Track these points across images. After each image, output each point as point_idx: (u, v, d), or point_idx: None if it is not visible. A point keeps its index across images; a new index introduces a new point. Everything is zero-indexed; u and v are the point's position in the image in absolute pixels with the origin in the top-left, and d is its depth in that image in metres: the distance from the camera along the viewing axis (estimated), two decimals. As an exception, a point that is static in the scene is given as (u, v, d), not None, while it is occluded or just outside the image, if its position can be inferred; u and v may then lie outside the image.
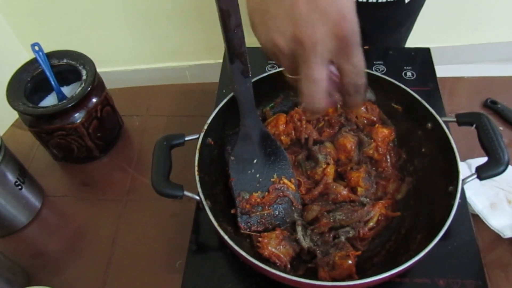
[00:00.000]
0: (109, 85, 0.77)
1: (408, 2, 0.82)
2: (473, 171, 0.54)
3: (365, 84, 0.44)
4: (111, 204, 0.71)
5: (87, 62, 0.72)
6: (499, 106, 0.78)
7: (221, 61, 0.79)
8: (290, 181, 0.60)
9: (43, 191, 0.73)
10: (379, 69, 0.75)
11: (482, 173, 0.53)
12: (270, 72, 0.65)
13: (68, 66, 0.73)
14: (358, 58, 0.41)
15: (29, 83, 0.70)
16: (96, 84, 0.71)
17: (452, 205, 0.50)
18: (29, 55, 0.72)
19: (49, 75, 0.72)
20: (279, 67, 0.49)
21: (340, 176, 0.63)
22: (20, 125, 0.77)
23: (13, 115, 0.76)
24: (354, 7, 0.39)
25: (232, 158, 0.59)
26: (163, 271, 0.63)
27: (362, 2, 0.82)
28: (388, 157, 0.63)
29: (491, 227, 0.62)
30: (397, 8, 0.82)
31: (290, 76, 0.44)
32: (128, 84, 0.90)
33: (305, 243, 0.56)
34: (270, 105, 0.70)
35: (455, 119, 0.59)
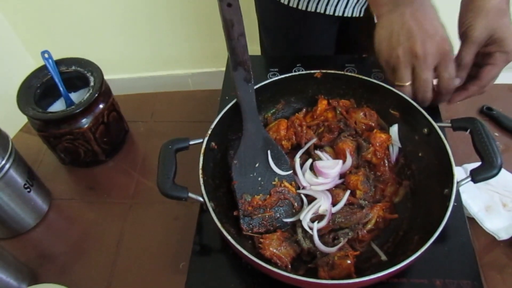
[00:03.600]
0: (115, 91, 0.79)
1: None
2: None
3: (453, 88, 0.63)
4: (116, 207, 0.73)
5: (95, 69, 0.74)
6: (494, 112, 0.80)
7: (223, 69, 0.81)
8: (291, 184, 0.62)
9: (50, 194, 0.75)
10: (378, 77, 0.77)
11: (476, 176, 0.54)
12: (272, 79, 0.67)
13: (76, 73, 0.75)
14: (452, 68, 0.60)
15: (38, 89, 0.72)
16: (103, 90, 0.73)
17: (447, 207, 0.51)
18: (35, 63, 0.74)
19: (58, 81, 0.74)
20: (389, 81, 0.65)
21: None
22: (29, 129, 0.79)
23: (22, 120, 0.78)
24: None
25: (235, 161, 0.61)
26: (167, 272, 0.64)
27: (355, 17, 0.86)
28: (386, 161, 0.64)
29: (487, 230, 0.64)
30: None
31: (400, 84, 0.62)
32: (134, 90, 0.92)
33: (306, 244, 0.57)
34: (271, 111, 0.72)
35: (450, 125, 0.61)
